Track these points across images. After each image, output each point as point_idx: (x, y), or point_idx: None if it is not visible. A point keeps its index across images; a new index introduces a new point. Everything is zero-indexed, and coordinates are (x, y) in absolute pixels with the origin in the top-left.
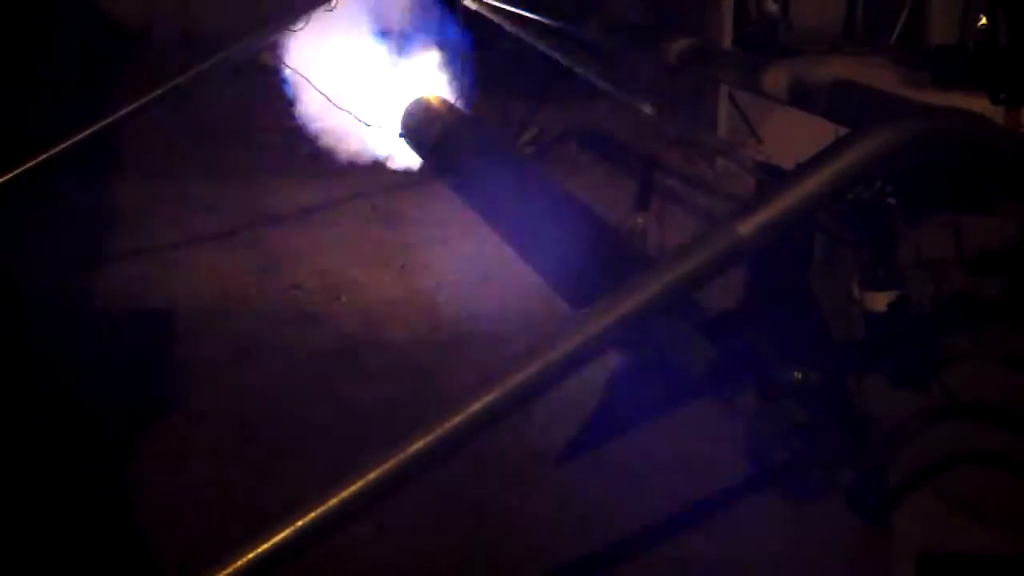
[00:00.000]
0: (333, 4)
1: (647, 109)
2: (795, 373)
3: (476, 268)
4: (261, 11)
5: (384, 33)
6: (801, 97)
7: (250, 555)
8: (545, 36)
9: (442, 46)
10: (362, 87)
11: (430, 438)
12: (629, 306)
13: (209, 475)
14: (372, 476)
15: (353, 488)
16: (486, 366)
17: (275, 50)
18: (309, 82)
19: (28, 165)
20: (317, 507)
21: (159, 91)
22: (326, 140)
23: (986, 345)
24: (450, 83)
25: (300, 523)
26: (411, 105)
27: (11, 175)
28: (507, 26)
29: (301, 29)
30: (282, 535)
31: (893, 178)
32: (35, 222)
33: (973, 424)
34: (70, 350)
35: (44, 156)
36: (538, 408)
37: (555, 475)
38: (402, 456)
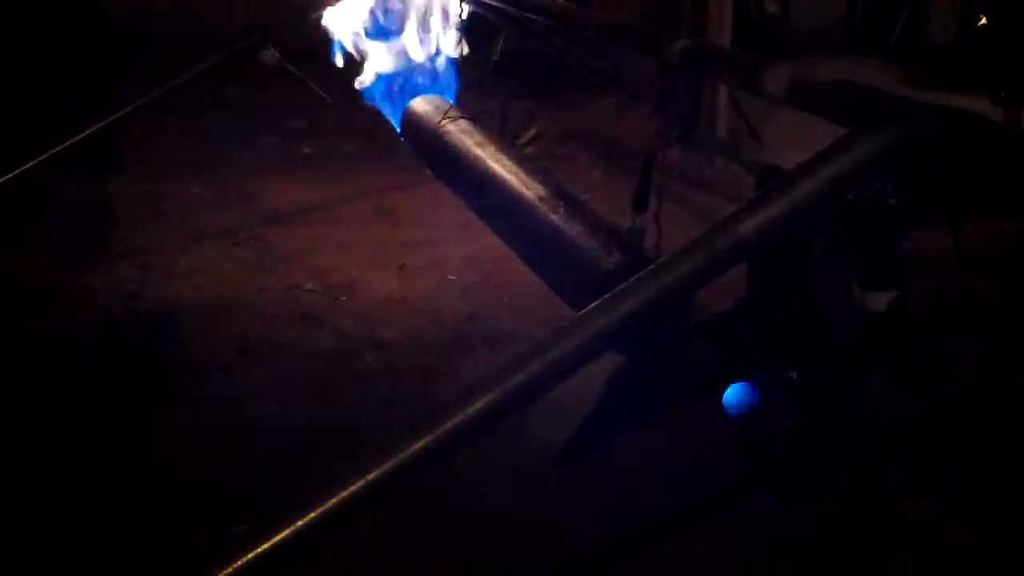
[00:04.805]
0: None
1: (647, 109)
2: (793, 373)
3: (476, 268)
4: (261, 11)
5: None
6: (801, 97)
7: (250, 555)
8: (545, 36)
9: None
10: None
11: (430, 438)
12: (629, 306)
13: (209, 475)
14: (372, 476)
15: (353, 488)
16: (486, 366)
17: (275, 49)
18: (308, 81)
19: (28, 165)
20: (317, 507)
21: (159, 91)
22: (326, 139)
23: (986, 345)
24: (450, 83)
25: (300, 523)
26: (411, 106)
27: (11, 175)
28: (507, 26)
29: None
30: (282, 535)
31: (893, 178)
32: (35, 222)
33: (973, 424)
34: (70, 350)
35: (44, 156)
36: (539, 408)
37: (555, 475)
38: (402, 456)
